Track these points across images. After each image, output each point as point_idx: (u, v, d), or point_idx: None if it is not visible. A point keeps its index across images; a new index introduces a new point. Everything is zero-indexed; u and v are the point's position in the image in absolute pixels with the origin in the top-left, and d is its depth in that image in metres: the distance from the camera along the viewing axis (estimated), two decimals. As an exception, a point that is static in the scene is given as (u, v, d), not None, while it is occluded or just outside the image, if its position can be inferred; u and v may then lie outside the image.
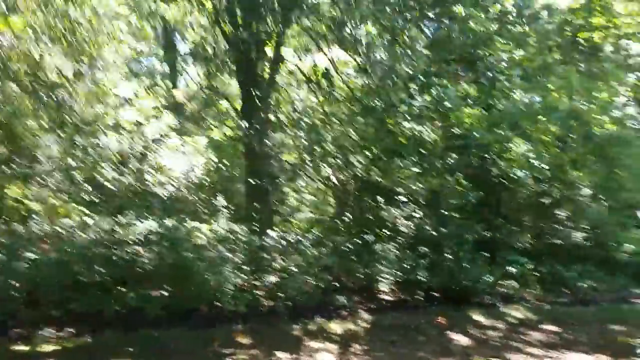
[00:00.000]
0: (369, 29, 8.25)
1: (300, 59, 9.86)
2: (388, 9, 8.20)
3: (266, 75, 10.31)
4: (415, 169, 10.51)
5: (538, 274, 9.83)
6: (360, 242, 8.70)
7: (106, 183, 9.75)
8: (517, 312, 8.51)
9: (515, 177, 9.58)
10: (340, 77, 10.10)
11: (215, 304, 7.26)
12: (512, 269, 9.66)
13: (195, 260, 7.34)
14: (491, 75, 8.57)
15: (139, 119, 11.22)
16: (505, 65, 9.09)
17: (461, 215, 9.31)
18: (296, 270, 8.16)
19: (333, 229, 9.04)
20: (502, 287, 9.36)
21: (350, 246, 8.47)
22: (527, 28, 9.66)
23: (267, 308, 7.65)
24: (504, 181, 9.96)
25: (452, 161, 9.45)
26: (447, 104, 9.01)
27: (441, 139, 10.42)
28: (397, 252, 8.69)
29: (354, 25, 8.14)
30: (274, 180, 10.69)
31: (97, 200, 9.66)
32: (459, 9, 9.01)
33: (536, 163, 10.10)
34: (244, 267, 7.82)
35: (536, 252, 10.31)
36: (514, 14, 9.78)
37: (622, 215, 10.21)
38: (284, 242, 8.34)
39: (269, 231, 8.43)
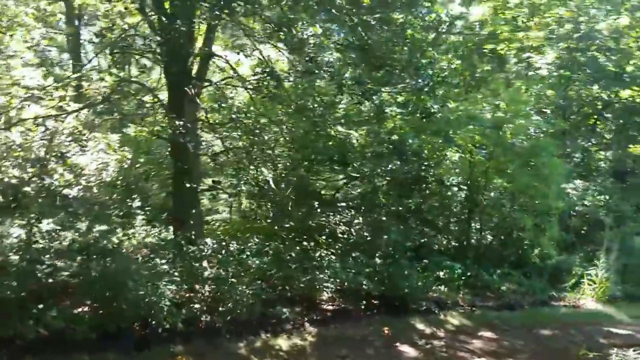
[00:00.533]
0: (317, 29, 7.91)
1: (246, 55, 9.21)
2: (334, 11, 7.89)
3: (196, 71, 9.65)
4: (342, 175, 10.40)
5: (464, 278, 10.00)
6: (299, 249, 8.37)
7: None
8: (453, 319, 8.55)
9: (448, 183, 9.70)
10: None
11: (150, 321, 6.61)
12: (441, 274, 9.80)
13: (126, 272, 6.64)
14: (431, 83, 8.57)
15: (47, 112, 10.06)
16: (446, 74, 9.16)
17: (397, 221, 9.25)
18: (234, 280, 7.68)
19: (270, 235, 8.58)
20: (433, 292, 9.42)
21: (291, 254, 8.09)
22: (461, 38, 9.81)
23: (205, 324, 7.08)
24: (436, 187, 10.06)
25: (389, 167, 9.35)
26: (386, 110, 8.91)
27: (373, 144, 10.35)
28: (338, 259, 8.47)
29: (302, 25, 7.74)
30: (202, 182, 10.05)
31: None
32: (397, 15, 8.89)
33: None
34: (177, 278, 7.21)
35: (461, 257, 10.49)
36: (447, 24, 9.89)
37: (539, 220, 10.65)
38: (220, 250, 7.80)
39: (206, 239, 7.85)
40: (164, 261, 7.21)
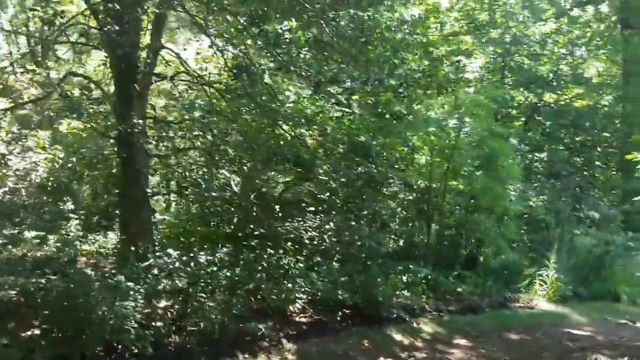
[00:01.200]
0: (292, 23, 7.34)
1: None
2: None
3: (145, 65, 8.76)
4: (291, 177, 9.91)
5: (424, 282, 9.83)
6: (268, 257, 7.80)
7: None
8: (426, 327, 8.29)
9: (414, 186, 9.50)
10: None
11: (117, 345, 5.81)
12: (404, 278, 9.56)
13: (87, 290, 5.81)
14: (405, 85, 8.28)
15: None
16: (419, 75, 8.88)
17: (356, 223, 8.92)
18: (203, 295, 6.99)
19: (235, 242, 7.93)
20: (397, 296, 9.16)
21: (263, 264, 7.49)
22: (424, 39, 9.59)
23: (175, 345, 6.35)
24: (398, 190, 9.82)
25: (355, 170, 8.98)
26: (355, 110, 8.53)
27: (329, 144, 9.91)
28: (307, 267, 7.98)
29: (277, 19, 7.15)
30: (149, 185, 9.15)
31: None
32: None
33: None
34: (141, 294, 6.42)
35: (419, 260, 10.33)
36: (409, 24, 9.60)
37: (497, 222, 10.70)
38: (188, 262, 7.05)
39: (170, 250, 7.07)
40: (123, 277, 6.36)
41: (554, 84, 18.02)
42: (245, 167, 8.73)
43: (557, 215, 12.53)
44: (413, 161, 10.14)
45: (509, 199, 10.42)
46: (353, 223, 8.51)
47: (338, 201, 9.52)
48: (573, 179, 14.95)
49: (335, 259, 8.18)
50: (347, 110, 8.94)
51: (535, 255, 11.43)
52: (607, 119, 18.54)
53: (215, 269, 7.07)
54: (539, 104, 18.24)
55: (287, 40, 7.31)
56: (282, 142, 9.24)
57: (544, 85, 18.31)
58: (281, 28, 7.38)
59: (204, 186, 8.08)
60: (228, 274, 7.12)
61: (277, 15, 7.39)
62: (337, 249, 8.27)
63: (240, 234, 8.11)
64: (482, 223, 10.34)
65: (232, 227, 8.22)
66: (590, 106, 19.16)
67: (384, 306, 8.14)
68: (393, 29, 8.74)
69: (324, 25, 7.95)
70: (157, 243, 8.05)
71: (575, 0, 20.55)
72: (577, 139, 17.57)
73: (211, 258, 7.14)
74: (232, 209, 8.34)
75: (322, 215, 8.57)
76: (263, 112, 8.59)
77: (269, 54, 7.47)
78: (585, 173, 15.59)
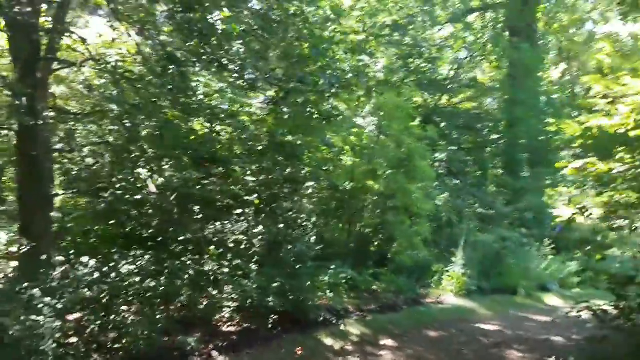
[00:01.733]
0: (225, 14, 6.82)
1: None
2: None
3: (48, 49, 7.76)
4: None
5: (344, 282, 9.78)
6: (193, 264, 7.26)
7: None
8: (353, 328, 8.20)
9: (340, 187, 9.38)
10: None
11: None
12: (325, 278, 9.42)
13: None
14: (337, 84, 8.09)
15: None
16: (350, 75, 8.71)
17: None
18: (125, 308, 6.34)
19: (156, 248, 7.27)
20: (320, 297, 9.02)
21: (188, 272, 6.94)
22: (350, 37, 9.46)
23: (98, 366, 5.70)
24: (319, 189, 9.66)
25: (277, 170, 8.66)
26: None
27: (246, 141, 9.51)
28: (235, 273, 7.54)
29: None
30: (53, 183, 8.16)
31: None
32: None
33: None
34: (54, 309, 5.67)
35: (337, 259, 10.25)
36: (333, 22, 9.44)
37: (412, 221, 10.91)
38: (109, 272, 6.32)
39: (86, 258, 6.28)
40: (38, 290, 5.57)
41: (450, 86, 18.90)
42: (164, 165, 8.06)
43: (459, 213, 13.10)
44: (339, 162, 10.03)
45: (423, 199, 10.65)
46: (281, 226, 8.19)
47: (257, 202, 9.13)
48: (469, 178, 15.77)
49: (265, 263, 7.83)
50: (282, 109, 8.53)
51: (443, 252, 11.81)
52: (493, 121, 19.76)
53: (138, 279, 6.42)
54: (437, 106, 19.05)
55: (220, 32, 6.80)
56: (193, 137, 8.72)
57: (441, 88, 19.17)
58: (212, 18, 6.86)
59: (118, 186, 7.35)
60: (152, 284, 6.51)
61: (207, 4, 6.85)
62: (267, 253, 7.92)
63: (161, 239, 7.49)
64: (398, 222, 10.49)
65: (152, 231, 7.55)
66: (478, 108, 20.38)
67: (312, 310, 7.96)
68: (318, 25, 8.53)
69: (250, 19, 7.58)
70: (65, 249, 7.20)
71: (466, 8, 21.61)
72: (469, 139, 18.52)
73: (133, 267, 6.47)
74: (151, 212, 7.65)
75: (249, 218, 8.15)
76: (177, 105, 8.03)
77: (198, 46, 6.88)
78: (477, 173, 16.43)
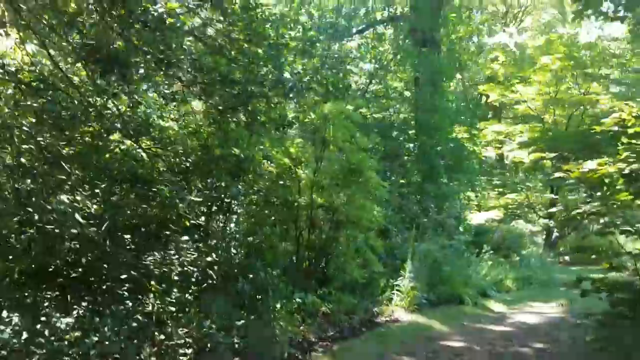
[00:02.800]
0: (173, 5, 5.57)
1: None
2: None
3: None
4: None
5: (296, 306, 8.75)
6: (137, 306, 5.90)
7: None
8: (321, 363, 7.23)
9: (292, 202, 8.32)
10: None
11: None
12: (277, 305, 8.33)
13: None
14: (295, 89, 7.10)
15: None
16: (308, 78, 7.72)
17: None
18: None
19: (88, 290, 5.79)
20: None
21: (139, 317, 5.57)
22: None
23: None
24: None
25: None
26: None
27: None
28: (188, 310, 6.27)
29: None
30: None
31: None
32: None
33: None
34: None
35: (287, 281, 9.19)
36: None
37: (364, 235, 10.10)
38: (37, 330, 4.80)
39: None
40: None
41: (365, 96, 18.49)
42: (89, 189, 6.57)
43: (403, 223, 12.59)
44: (290, 175, 9.03)
45: (373, 212, 9.90)
46: (234, 252, 7.00)
47: (188, 224, 7.84)
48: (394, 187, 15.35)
49: (223, 296, 6.61)
50: (228, 117, 7.34)
51: (393, 265, 11.11)
52: (405, 130, 19.67)
53: (78, 334, 4.99)
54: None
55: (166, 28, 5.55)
56: (108, 155, 7.35)
57: (355, 97, 18.70)
58: (156, 10, 5.59)
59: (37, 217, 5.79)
60: (96, 337, 5.10)
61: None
62: (222, 285, 6.70)
63: (93, 279, 6.02)
64: (350, 237, 9.67)
65: (81, 269, 6.05)
66: (390, 117, 20.22)
67: (276, 346, 6.86)
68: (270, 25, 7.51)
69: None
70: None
71: (373, 20, 21.49)
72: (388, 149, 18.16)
73: (71, 320, 5.02)
74: (79, 246, 6.14)
75: (198, 245, 6.89)
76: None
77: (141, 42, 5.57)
78: (402, 181, 16.08)
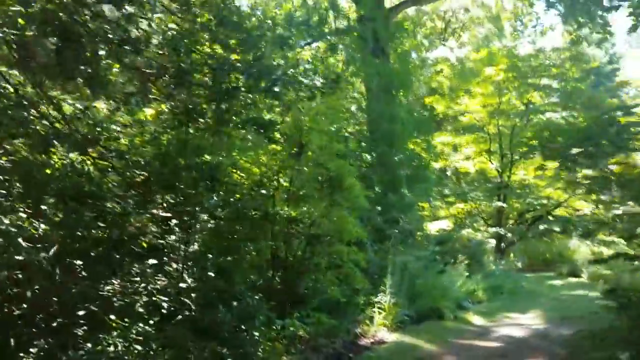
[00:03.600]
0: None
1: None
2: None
3: None
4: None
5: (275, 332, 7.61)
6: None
7: None
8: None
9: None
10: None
11: None
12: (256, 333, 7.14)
13: None
14: (278, 82, 6.05)
15: None
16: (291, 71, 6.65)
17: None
18: None
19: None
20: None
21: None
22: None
23: None
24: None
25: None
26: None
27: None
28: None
29: None
30: None
31: None
32: None
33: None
34: None
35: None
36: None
37: (344, 249, 9.04)
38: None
39: None
40: None
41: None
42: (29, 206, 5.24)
43: (377, 235, 11.67)
44: (264, 186, 7.90)
45: (355, 224, 8.91)
46: (211, 274, 5.78)
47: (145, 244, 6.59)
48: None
49: (197, 329, 5.40)
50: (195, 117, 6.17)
51: (371, 280, 10.07)
52: (358, 141, 18.93)
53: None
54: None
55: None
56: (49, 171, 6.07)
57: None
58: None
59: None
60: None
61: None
62: (200, 315, 5.47)
63: (42, 315, 4.69)
64: (328, 252, 8.63)
65: (27, 305, 4.71)
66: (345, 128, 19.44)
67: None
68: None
69: None
70: None
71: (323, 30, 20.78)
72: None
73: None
74: (24, 276, 4.79)
75: (170, 268, 5.65)
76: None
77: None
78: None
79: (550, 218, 24.39)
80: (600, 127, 7.55)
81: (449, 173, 28.82)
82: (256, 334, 6.72)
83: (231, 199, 6.97)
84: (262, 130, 6.48)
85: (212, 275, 5.81)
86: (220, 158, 6.88)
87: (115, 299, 5.38)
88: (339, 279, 8.91)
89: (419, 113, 24.42)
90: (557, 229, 25.57)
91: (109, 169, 6.84)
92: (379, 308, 9.66)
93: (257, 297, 6.47)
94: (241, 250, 7.63)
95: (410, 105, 20.27)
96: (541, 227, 24.20)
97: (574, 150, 7.34)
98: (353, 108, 19.37)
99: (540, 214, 24.15)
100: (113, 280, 5.71)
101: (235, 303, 5.85)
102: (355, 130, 18.09)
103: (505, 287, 14.41)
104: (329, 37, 20.41)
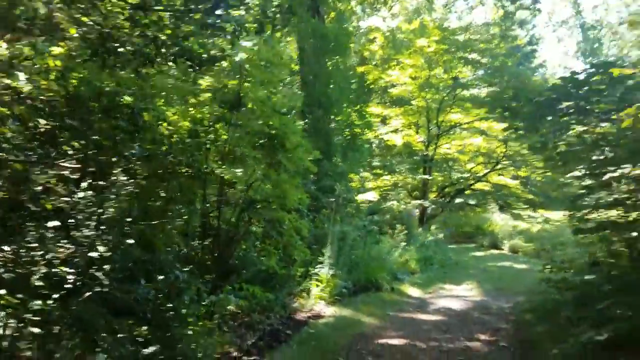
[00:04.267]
0: None
1: None
2: None
3: None
4: None
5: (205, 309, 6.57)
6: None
7: None
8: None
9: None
10: None
11: None
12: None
13: None
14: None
15: None
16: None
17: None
18: None
19: None
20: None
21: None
22: None
23: None
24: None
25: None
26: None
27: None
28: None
29: None
30: None
31: None
32: None
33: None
34: None
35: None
36: None
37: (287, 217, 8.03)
38: None
39: None
40: None
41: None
42: None
43: (314, 202, 10.73)
44: (195, 141, 6.69)
45: (300, 189, 7.93)
46: (130, 241, 4.59)
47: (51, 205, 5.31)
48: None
49: (112, 308, 4.25)
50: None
51: (311, 250, 9.16)
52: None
53: None
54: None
55: None
56: None
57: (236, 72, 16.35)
58: None
59: None
60: None
61: None
62: (115, 291, 4.28)
63: None
64: (269, 219, 7.61)
65: None
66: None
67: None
68: None
69: None
70: None
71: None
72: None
73: None
74: None
75: (77, 233, 4.40)
76: None
77: None
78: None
79: (468, 192, 24.80)
80: (579, 84, 7.01)
81: (374, 145, 28.51)
82: (184, 311, 5.68)
83: (157, 152, 5.74)
84: (197, 68, 5.30)
85: (131, 243, 4.62)
86: (143, 103, 5.59)
87: (3, 270, 4.13)
88: (276, 249, 7.95)
89: (355, 80, 23.73)
90: (472, 202, 26.14)
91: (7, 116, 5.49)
92: (316, 280, 8.83)
93: (186, 269, 5.38)
94: (166, 214, 6.45)
95: (346, 71, 19.31)
96: (458, 200, 24.58)
97: (564, 104, 6.72)
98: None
99: (462, 187, 24.42)
100: (3, 247, 4.43)
101: (160, 277, 4.76)
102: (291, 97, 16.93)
103: (435, 258, 14.09)
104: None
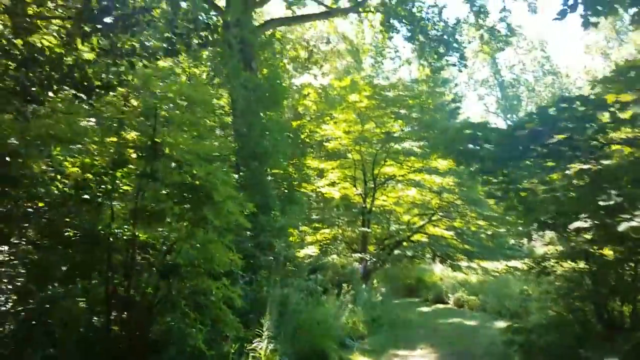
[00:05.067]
0: None
1: None
2: None
3: None
4: None
5: None
6: None
7: None
8: None
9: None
10: None
11: None
12: None
13: None
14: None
15: None
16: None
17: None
18: None
19: None
20: None
21: None
22: None
23: None
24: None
25: None
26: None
27: None
28: None
29: None
30: None
31: None
32: None
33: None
34: None
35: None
36: None
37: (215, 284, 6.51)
38: None
39: None
40: None
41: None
42: None
43: (251, 262, 9.24)
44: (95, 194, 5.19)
45: (232, 249, 6.51)
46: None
47: None
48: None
49: None
50: None
51: (245, 320, 7.60)
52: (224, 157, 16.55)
53: None
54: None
55: None
56: None
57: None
58: None
59: None
60: None
61: None
62: None
63: None
64: (192, 288, 6.10)
65: None
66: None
67: None
68: None
69: None
70: None
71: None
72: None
73: None
74: None
75: None
76: None
77: None
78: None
79: (406, 245, 24.10)
80: (551, 120, 6.17)
81: (312, 199, 27.50)
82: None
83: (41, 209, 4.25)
84: (89, 96, 3.96)
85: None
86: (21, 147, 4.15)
87: None
88: (202, 324, 6.39)
89: (290, 133, 22.82)
90: (409, 254, 25.45)
91: None
92: (253, 358, 7.27)
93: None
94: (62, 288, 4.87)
95: (282, 124, 18.33)
96: (396, 252, 23.79)
97: (555, 139, 5.83)
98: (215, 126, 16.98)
99: (401, 239, 23.64)
100: None
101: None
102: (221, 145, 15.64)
103: (384, 317, 12.75)
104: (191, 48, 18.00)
